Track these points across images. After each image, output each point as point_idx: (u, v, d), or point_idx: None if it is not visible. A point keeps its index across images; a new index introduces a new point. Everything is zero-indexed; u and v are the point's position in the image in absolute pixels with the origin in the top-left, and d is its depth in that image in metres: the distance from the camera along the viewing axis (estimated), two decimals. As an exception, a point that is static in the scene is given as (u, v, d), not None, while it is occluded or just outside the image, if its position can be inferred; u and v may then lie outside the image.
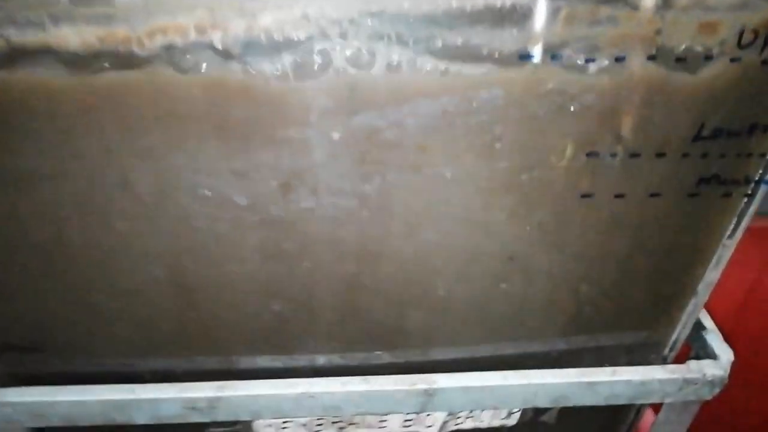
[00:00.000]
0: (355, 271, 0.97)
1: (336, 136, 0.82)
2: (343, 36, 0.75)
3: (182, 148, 0.81)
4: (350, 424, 1.21)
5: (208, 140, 0.80)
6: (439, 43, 0.76)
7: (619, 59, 0.80)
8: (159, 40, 0.72)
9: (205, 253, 0.94)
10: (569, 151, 0.90)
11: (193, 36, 0.72)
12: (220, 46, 0.73)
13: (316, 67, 0.76)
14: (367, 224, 0.92)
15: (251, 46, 0.74)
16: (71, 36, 0.70)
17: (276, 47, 0.74)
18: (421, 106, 0.82)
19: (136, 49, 0.72)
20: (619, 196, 0.95)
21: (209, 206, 0.88)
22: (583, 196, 0.94)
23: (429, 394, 1.08)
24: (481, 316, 1.07)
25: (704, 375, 1.11)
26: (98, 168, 0.83)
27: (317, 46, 0.75)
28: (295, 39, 0.74)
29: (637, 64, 0.81)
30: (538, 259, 1.01)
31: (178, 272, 0.95)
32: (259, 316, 1.02)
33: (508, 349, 1.16)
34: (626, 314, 1.13)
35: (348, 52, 0.75)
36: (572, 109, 0.85)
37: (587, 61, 0.80)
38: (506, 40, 0.78)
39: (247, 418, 1.10)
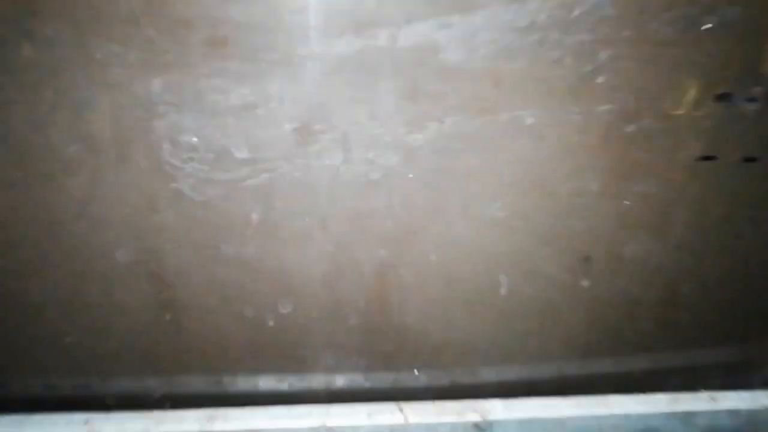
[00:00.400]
0: (388, 256, 0.71)
1: (381, 43, 0.57)
2: None
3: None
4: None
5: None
6: None
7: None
8: None
9: (186, 229, 0.67)
10: (692, 92, 0.64)
11: None
12: None
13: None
14: (408, 191, 0.66)
15: None
16: None
17: None
18: (498, 13, 0.57)
19: None
20: (749, 159, 0.69)
21: (195, 162, 0.62)
22: (703, 158, 0.69)
23: (481, 428, 0.81)
24: (547, 325, 0.81)
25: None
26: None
27: None
28: None
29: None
30: (630, 247, 0.75)
31: (152, 258, 0.69)
32: (260, 320, 0.75)
33: (579, 369, 0.89)
34: (728, 323, 0.86)
35: None
36: (704, 27, 0.60)
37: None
38: None
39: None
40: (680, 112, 0.65)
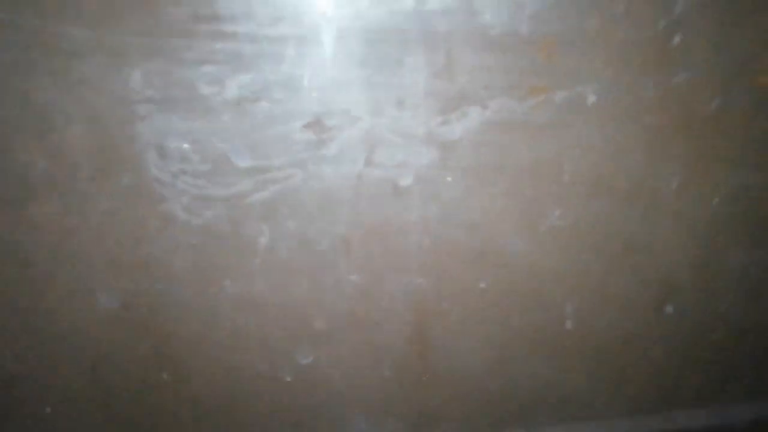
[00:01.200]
0: (427, 286, 0.57)
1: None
2: None
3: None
4: None
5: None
6: None
7: None
8: None
9: (181, 262, 0.54)
10: (790, 52, 0.52)
11: None
12: None
13: None
14: (446, 199, 0.53)
15: None
16: None
17: None
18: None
19: None
20: None
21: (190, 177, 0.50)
22: (808, 138, 0.55)
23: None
24: (626, 367, 0.65)
25: None
26: None
27: None
28: None
29: None
30: (726, 260, 0.60)
31: (142, 302, 0.56)
32: (275, 376, 0.61)
33: (666, 424, 0.72)
34: None
35: None
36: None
37: None
38: None
39: None
40: (775, 78, 0.51)
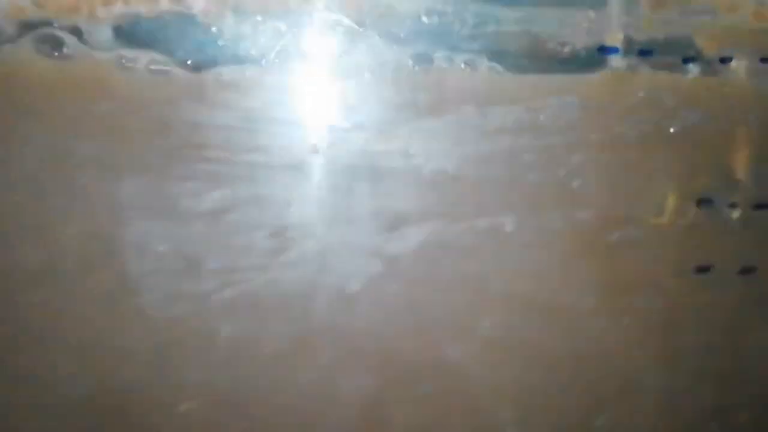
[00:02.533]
0: (374, 388, 0.63)
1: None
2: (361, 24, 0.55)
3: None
4: None
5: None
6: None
7: (724, 60, 0.59)
8: None
9: (150, 354, 0.61)
10: (671, 198, 0.64)
11: None
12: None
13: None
14: (390, 306, 0.61)
15: None
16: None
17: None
18: (467, 118, 0.59)
19: None
20: (746, 271, 0.66)
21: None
22: (699, 270, 0.65)
23: None
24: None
25: None
26: None
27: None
28: None
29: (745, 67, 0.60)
30: (644, 376, 0.67)
31: (110, 394, 0.61)
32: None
33: None
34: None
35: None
36: (671, 130, 0.61)
37: (685, 61, 0.59)
38: (581, 29, 0.58)
39: None
40: (662, 220, 0.63)
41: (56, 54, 0.54)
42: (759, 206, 0.62)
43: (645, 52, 0.56)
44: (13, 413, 0.61)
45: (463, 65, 0.58)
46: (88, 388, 0.61)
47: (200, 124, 0.57)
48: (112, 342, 0.60)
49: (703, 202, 0.62)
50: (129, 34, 0.54)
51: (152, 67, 0.55)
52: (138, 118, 0.56)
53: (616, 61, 0.59)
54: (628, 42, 0.58)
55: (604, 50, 0.56)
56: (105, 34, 0.54)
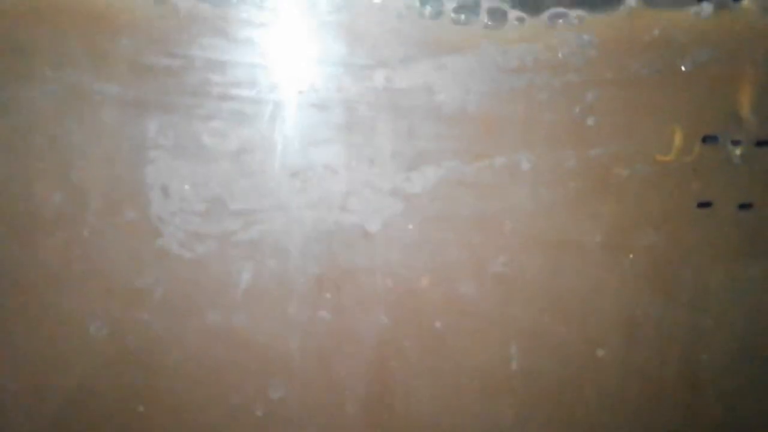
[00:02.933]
0: (390, 324, 0.65)
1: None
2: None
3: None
4: None
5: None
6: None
7: (735, -1, 0.61)
8: None
9: (171, 294, 0.61)
10: (678, 135, 0.66)
11: None
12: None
13: None
14: (407, 244, 0.63)
15: None
16: None
17: None
18: (487, 55, 0.59)
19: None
20: (745, 206, 0.69)
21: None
22: (700, 205, 0.68)
23: None
24: (564, 412, 0.72)
25: None
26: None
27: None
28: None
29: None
30: (643, 309, 0.70)
31: (130, 331, 0.62)
32: (247, 410, 0.66)
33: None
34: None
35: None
36: (683, 68, 0.63)
37: (697, -1, 0.60)
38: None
39: None
40: (669, 157, 0.65)
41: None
42: (761, 143, 0.65)
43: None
44: (36, 351, 0.61)
45: (485, 3, 0.58)
46: (111, 327, 0.62)
47: (224, 61, 0.57)
48: (135, 282, 0.61)
49: (707, 139, 0.64)
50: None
51: (178, 2, 0.54)
52: (161, 55, 0.55)
53: (631, -1, 0.60)
54: (644, -20, 0.59)
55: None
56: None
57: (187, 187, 0.58)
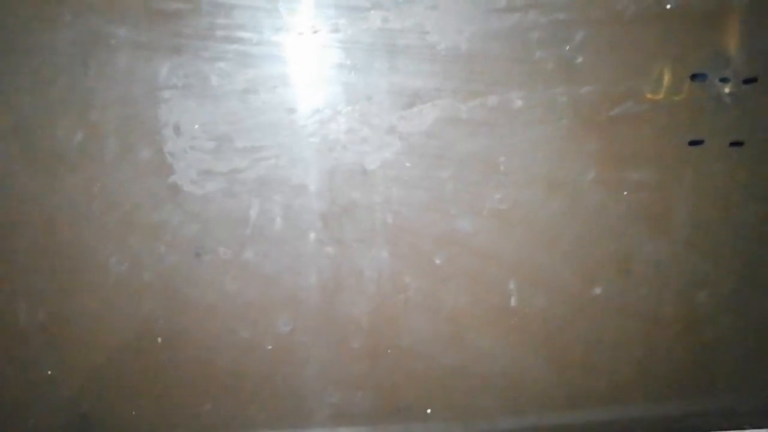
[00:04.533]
0: (390, 260, 0.69)
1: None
2: None
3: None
4: None
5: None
6: None
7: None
8: None
9: (183, 229, 0.66)
10: (667, 74, 0.68)
11: None
12: None
13: None
14: (406, 182, 0.66)
15: None
16: None
17: None
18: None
19: None
20: (736, 143, 0.71)
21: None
22: (692, 143, 0.70)
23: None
24: (560, 349, 0.75)
25: None
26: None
27: None
28: None
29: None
30: (639, 246, 0.73)
31: (147, 265, 0.66)
32: (258, 343, 0.70)
33: (606, 414, 0.81)
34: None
35: None
36: (668, 6, 0.65)
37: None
38: None
39: None
40: (659, 95, 0.67)
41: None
42: (747, 81, 0.67)
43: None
44: (59, 284, 0.66)
45: (474, -56, 0.61)
46: (130, 261, 0.66)
47: (229, 4, 0.61)
48: (149, 218, 0.65)
49: (696, 76, 0.66)
50: None
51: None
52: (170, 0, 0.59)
53: (617, -62, 0.62)
54: None
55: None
56: None
57: (197, 126, 0.62)
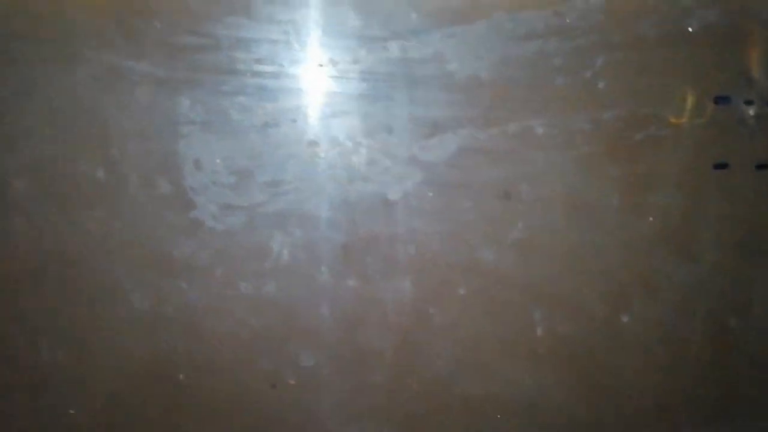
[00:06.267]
0: (413, 290, 0.67)
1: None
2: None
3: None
4: None
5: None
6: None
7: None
8: None
9: (206, 265, 0.64)
10: (690, 97, 0.67)
11: None
12: None
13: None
14: (428, 212, 0.65)
15: None
16: None
17: None
18: (498, 23, 0.62)
19: None
20: (762, 166, 0.69)
21: None
22: (717, 166, 0.69)
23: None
24: (588, 377, 0.72)
25: None
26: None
27: None
28: None
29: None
30: (665, 271, 0.71)
31: (169, 301, 0.65)
32: (280, 377, 0.68)
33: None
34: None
35: None
36: (690, 29, 0.64)
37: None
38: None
39: None
40: (682, 119, 0.66)
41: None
42: (773, 103, 0.65)
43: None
44: (81, 321, 0.65)
45: (492, -27, 0.60)
46: (151, 297, 0.65)
47: (248, 38, 0.60)
48: (170, 253, 0.64)
49: (720, 99, 0.65)
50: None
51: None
52: (189, 34, 0.59)
53: (636, -37, 0.61)
54: (647, -56, 0.61)
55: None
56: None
57: (218, 160, 0.61)
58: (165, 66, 0.58)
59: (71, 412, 0.65)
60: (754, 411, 0.73)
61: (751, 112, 0.65)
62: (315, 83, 0.60)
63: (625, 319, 0.71)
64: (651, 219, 0.67)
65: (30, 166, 0.59)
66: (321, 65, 0.59)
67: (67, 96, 0.57)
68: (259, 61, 0.59)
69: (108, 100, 0.58)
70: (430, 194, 0.64)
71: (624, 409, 0.73)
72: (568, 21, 0.59)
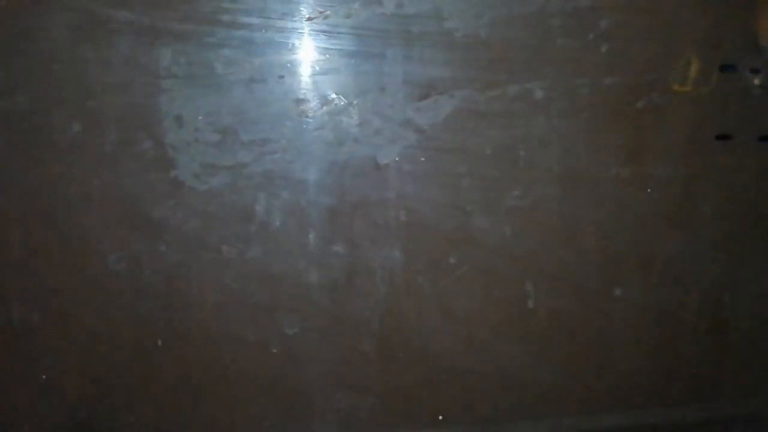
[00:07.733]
0: (403, 259, 0.65)
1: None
2: None
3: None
4: None
5: None
6: None
7: None
8: None
9: (186, 226, 0.61)
10: (695, 64, 0.64)
11: None
12: None
13: None
14: (420, 177, 0.62)
15: None
16: None
17: None
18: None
19: None
20: (765, 138, 0.67)
21: None
22: (719, 137, 0.66)
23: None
24: (580, 353, 0.71)
25: None
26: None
27: None
28: None
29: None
30: (662, 245, 0.69)
31: (147, 264, 0.62)
32: (263, 346, 0.66)
33: (627, 419, 0.77)
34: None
35: None
36: (698, -7, 0.61)
37: None
38: None
39: None
40: (686, 87, 0.63)
41: None
42: (781, 72, 0.62)
43: None
44: (58, 282, 0.62)
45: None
46: (127, 263, 0.62)
47: (234, -15, 0.56)
48: (148, 213, 0.61)
49: (725, 67, 0.62)
50: None
51: None
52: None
53: None
54: None
55: None
56: None
57: (200, 117, 0.58)
58: (146, 14, 0.54)
59: (43, 377, 0.62)
60: (747, 387, 0.72)
61: (757, 81, 0.62)
62: (304, 38, 0.56)
63: (618, 292, 0.69)
64: (649, 190, 0.65)
65: (2, 119, 0.56)
66: (311, 18, 0.56)
67: (41, 46, 0.54)
68: (246, 12, 0.55)
69: (85, 50, 0.54)
70: (423, 159, 0.61)
71: (615, 384, 0.72)
72: (572, -22, 0.55)
